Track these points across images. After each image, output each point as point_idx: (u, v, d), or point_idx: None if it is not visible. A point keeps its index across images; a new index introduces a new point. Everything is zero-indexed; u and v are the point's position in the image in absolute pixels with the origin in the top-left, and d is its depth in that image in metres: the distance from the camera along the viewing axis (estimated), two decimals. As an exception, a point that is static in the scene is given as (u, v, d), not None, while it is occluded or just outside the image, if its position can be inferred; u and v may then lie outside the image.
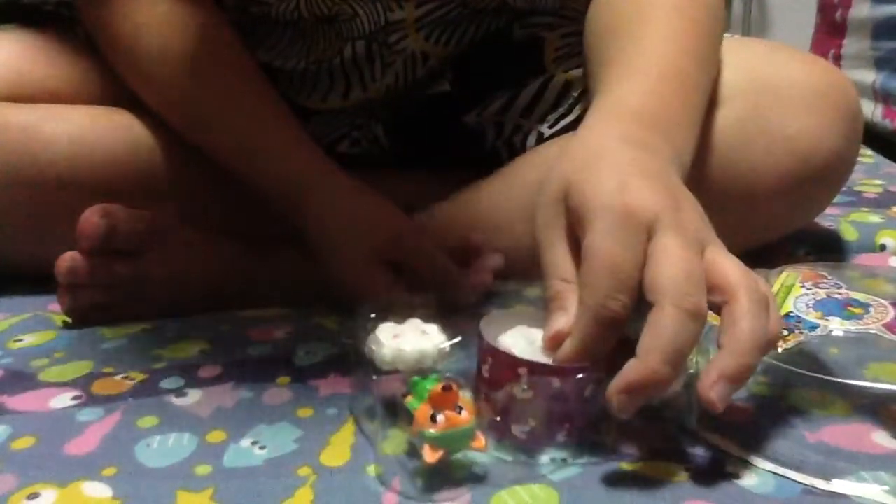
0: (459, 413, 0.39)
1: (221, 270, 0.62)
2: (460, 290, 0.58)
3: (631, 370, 0.38)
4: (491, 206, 0.65)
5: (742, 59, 0.63)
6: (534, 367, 0.41)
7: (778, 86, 0.62)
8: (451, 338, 0.44)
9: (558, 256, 0.43)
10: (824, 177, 0.63)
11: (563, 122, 0.71)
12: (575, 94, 0.71)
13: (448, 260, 0.60)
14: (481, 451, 0.40)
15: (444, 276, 0.59)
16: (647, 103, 0.49)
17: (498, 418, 0.41)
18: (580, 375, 0.41)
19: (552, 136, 0.70)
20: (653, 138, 0.47)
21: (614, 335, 0.40)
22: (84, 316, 0.59)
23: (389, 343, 0.44)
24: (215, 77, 0.62)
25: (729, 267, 0.41)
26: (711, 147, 0.61)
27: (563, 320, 0.41)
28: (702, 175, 0.60)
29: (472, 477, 0.40)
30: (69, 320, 0.59)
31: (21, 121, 0.62)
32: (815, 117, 0.61)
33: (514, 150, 0.71)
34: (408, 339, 0.44)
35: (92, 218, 0.57)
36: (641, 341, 0.38)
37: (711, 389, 0.38)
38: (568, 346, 0.41)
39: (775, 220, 0.66)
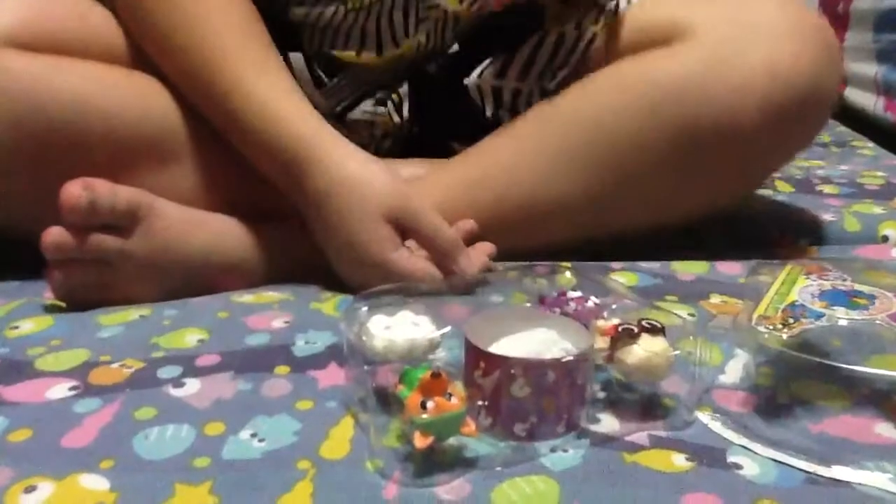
0: (449, 399, 0.39)
1: (210, 245, 0.62)
2: (465, 261, 0.60)
3: None
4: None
5: (716, 7, 0.66)
6: (527, 364, 0.41)
7: (754, 21, 0.64)
8: (441, 329, 0.45)
9: None
10: (806, 103, 0.63)
11: (561, 74, 0.73)
12: (569, 45, 0.72)
13: (452, 230, 0.61)
14: (472, 437, 0.41)
15: (448, 245, 0.60)
16: None
17: (485, 402, 0.41)
18: (569, 358, 0.42)
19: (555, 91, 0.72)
20: None
21: None
22: (75, 295, 0.58)
23: (381, 334, 0.44)
24: (221, 30, 0.61)
25: None
26: (691, 84, 0.62)
27: None
28: (685, 111, 0.62)
29: (465, 462, 0.41)
30: (63, 304, 0.59)
31: (32, 70, 0.59)
32: (792, 44, 0.63)
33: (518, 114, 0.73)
34: (399, 331, 0.44)
35: (73, 190, 0.56)
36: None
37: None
38: None
39: (761, 154, 0.66)
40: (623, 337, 0.44)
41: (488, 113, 0.74)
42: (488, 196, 0.68)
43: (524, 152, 0.68)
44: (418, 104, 0.75)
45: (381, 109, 0.74)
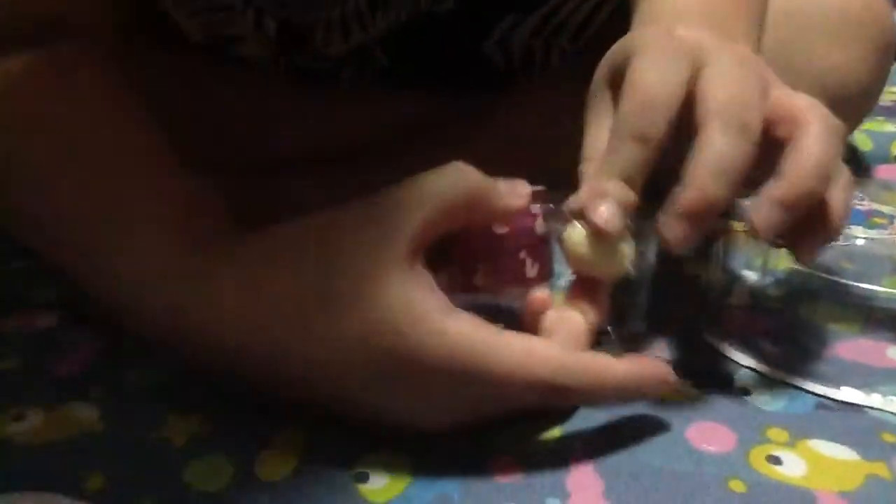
0: None
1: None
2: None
3: (678, 195, 0.35)
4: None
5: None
6: None
7: (810, 14, 0.58)
8: None
9: (591, 135, 0.39)
10: (848, 112, 0.58)
11: (581, 39, 0.66)
12: (585, 13, 0.64)
13: None
14: None
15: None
16: (698, 5, 0.45)
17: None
18: (526, 194, 0.37)
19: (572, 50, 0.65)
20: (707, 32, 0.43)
21: (645, 158, 0.36)
22: None
23: None
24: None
25: (797, 98, 0.37)
26: None
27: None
28: None
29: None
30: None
31: None
32: (846, 52, 0.58)
33: (533, 66, 0.66)
34: None
35: None
36: (686, 166, 0.35)
37: (757, 215, 0.35)
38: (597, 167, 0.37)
39: None
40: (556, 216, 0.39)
41: (500, 67, 0.68)
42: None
43: None
44: (405, 56, 0.69)
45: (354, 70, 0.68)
